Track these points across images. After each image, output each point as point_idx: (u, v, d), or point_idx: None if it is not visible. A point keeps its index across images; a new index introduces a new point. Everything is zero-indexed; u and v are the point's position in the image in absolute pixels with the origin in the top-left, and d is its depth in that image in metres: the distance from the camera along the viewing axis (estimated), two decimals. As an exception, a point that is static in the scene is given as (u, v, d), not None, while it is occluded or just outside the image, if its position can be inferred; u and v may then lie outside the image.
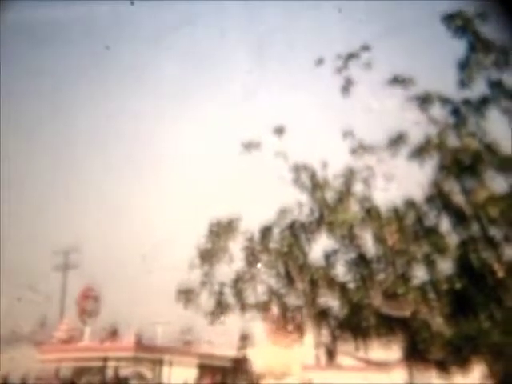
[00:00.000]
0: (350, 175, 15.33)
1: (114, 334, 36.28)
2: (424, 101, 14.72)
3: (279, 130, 16.00)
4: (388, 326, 14.10)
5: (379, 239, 14.32)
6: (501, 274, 12.85)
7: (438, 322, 13.04)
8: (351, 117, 16.61)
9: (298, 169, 15.77)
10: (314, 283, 14.97)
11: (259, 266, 15.70)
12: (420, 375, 17.52)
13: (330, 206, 15.14)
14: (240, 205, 17.89)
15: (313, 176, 15.62)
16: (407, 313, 13.43)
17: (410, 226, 14.20)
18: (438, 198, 14.16)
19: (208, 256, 16.11)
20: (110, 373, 34.31)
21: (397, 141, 14.83)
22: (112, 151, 59.84)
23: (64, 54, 56.18)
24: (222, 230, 16.12)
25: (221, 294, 16.19)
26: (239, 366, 32.07)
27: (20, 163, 46.78)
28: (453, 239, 13.84)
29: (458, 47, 14.24)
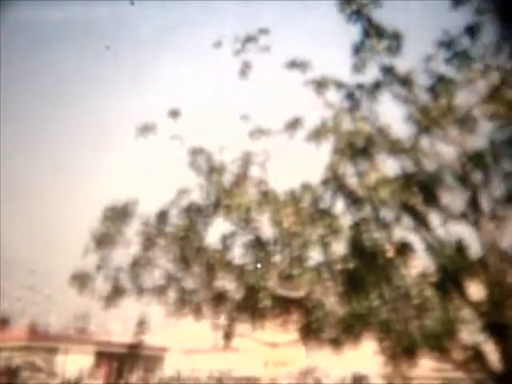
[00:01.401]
0: (246, 158, 15.35)
1: (4, 322, 34.92)
2: (320, 85, 14.93)
3: (174, 113, 15.76)
4: (284, 306, 14.29)
5: (275, 222, 14.43)
6: (391, 253, 13.31)
7: (332, 302, 13.34)
8: (249, 100, 16.65)
9: (194, 152, 15.63)
10: (210, 266, 14.93)
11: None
12: (314, 354, 17.92)
13: (227, 189, 15.11)
14: (137, 189, 17.58)
15: (209, 159, 15.54)
16: (302, 293, 13.65)
17: (305, 209, 14.39)
18: (333, 180, 14.43)
19: (103, 240, 15.68)
20: (1, 363, 33.02)
21: (294, 124, 14.98)
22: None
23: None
24: (116, 215, 15.74)
25: (117, 278, 15.82)
26: (136, 351, 31.77)
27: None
28: (346, 220, 14.17)
29: (354, 32, 14.52)
